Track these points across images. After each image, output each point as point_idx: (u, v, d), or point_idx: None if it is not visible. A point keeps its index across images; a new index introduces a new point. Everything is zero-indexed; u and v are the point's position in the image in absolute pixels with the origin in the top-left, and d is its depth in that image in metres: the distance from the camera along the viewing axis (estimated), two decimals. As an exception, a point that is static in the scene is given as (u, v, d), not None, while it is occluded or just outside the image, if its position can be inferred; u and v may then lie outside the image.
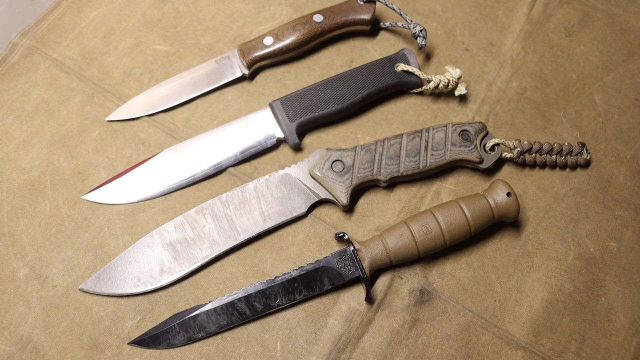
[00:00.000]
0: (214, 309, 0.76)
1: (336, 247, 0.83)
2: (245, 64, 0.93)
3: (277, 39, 0.93)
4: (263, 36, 0.93)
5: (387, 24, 0.98)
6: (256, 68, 0.95)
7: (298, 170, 0.85)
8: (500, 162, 0.89)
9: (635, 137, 0.92)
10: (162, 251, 0.80)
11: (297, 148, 0.89)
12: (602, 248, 0.84)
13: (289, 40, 0.93)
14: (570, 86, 0.96)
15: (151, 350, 0.76)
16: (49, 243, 0.82)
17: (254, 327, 0.78)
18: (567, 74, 0.97)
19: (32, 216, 0.84)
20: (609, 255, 0.84)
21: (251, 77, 0.95)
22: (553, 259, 0.83)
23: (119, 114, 0.91)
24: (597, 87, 0.96)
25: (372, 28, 0.98)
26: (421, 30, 0.93)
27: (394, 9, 0.94)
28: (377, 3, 0.99)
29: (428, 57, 0.98)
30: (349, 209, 0.85)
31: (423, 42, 0.93)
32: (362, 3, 0.95)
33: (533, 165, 0.89)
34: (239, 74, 0.93)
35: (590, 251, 0.84)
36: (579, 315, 0.80)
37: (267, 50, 0.93)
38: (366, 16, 0.95)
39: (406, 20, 0.94)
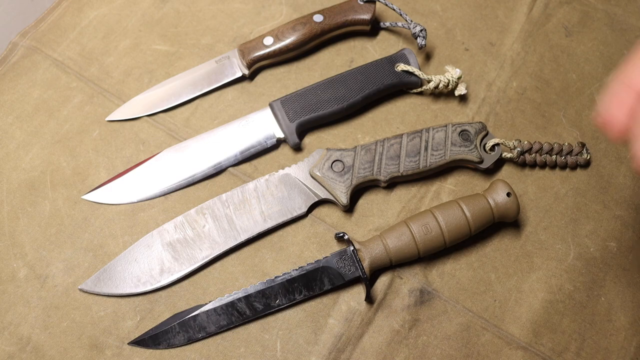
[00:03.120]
0: (214, 309, 0.76)
1: (336, 247, 0.83)
2: (245, 64, 0.93)
3: (277, 39, 0.93)
4: (263, 36, 0.93)
5: (387, 24, 0.98)
6: (256, 68, 0.95)
7: (298, 170, 0.85)
8: (500, 162, 0.89)
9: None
10: (162, 251, 0.80)
11: (297, 148, 0.89)
12: (602, 248, 0.84)
13: (289, 40, 0.93)
14: (570, 86, 0.96)
15: (151, 350, 0.76)
16: (49, 243, 0.82)
17: (254, 327, 0.78)
18: (567, 74, 0.97)
19: (32, 216, 0.84)
20: (609, 255, 0.84)
21: (251, 77, 0.95)
22: (553, 259, 0.83)
23: (119, 114, 0.91)
24: (597, 87, 0.96)
25: (372, 28, 0.98)
26: (421, 30, 0.93)
27: (394, 9, 0.94)
28: (377, 3, 0.99)
29: (428, 57, 0.98)
30: (349, 209, 0.85)
31: (423, 42, 0.93)
32: (362, 3, 0.95)
33: (533, 165, 0.89)
34: (239, 74, 0.93)
35: (590, 251, 0.84)
36: (579, 315, 0.80)
37: (267, 50, 0.93)
38: (366, 16, 0.95)
39: (406, 20, 0.94)
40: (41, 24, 0.98)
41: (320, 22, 0.94)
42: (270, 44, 0.93)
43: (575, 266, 0.83)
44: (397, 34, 1.00)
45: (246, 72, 0.93)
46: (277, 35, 0.93)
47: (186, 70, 0.94)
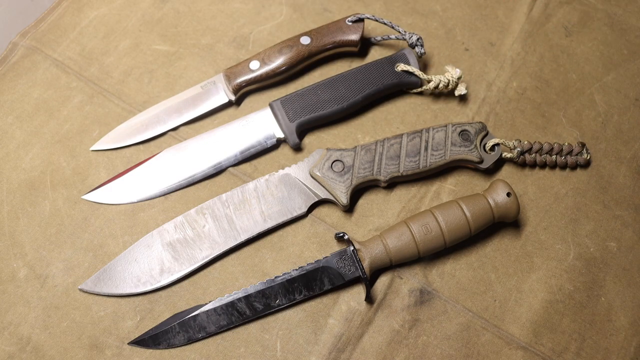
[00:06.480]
0: (214, 309, 0.76)
1: (336, 247, 0.83)
2: (231, 89, 0.90)
3: (263, 62, 0.91)
4: (249, 60, 0.91)
5: (378, 38, 0.96)
6: (242, 93, 0.92)
7: (298, 170, 0.85)
8: (500, 162, 0.89)
9: (635, 137, 0.92)
10: (162, 251, 0.80)
11: (297, 148, 0.89)
12: (602, 248, 0.84)
13: (275, 64, 0.91)
14: (570, 86, 0.96)
15: (151, 350, 0.76)
16: (49, 243, 0.82)
17: (254, 327, 0.78)
18: (567, 74, 0.97)
19: (32, 216, 0.84)
20: (609, 255, 0.84)
21: (237, 102, 0.93)
22: (553, 259, 0.83)
23: (104, 143, 0.88)
24: (597, 87, 0.96)
25: (362, 46, 0.96)
26: (418, 39, 0.92)
27: (385, 23, 0.92)
28: (366, 21, 0.96)
29: (428, 57, 0.98)
30: (349, 209, 0.85)
31: (422, 50, 0.92)
32: (350, 23, 0.93)
33: (533, 165, 0.89)
34: (225, 100, 0.91)
35: (590, 251, 0.84)
36: (579, 315, 0.80)
37: (254, 74, 0.90)
38: (354, 37, 0.92)
39: (400, 32, 0.93)
40: (41, 24, 0.98)
41: (307, 45, 0.91)
42: (257, 68, 0.90)
43: (575, 266, 0.83)
44: (389, 48, 0.98)
45: (232, 97, 0.91)
46: (263, 59, 0.91)
47: (171, 97, 0.91)
